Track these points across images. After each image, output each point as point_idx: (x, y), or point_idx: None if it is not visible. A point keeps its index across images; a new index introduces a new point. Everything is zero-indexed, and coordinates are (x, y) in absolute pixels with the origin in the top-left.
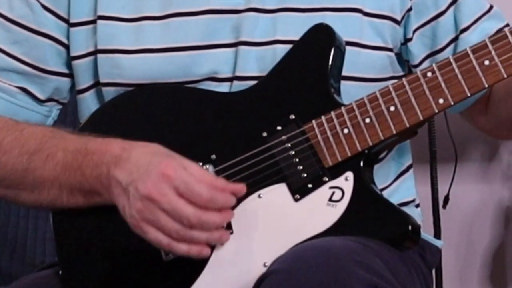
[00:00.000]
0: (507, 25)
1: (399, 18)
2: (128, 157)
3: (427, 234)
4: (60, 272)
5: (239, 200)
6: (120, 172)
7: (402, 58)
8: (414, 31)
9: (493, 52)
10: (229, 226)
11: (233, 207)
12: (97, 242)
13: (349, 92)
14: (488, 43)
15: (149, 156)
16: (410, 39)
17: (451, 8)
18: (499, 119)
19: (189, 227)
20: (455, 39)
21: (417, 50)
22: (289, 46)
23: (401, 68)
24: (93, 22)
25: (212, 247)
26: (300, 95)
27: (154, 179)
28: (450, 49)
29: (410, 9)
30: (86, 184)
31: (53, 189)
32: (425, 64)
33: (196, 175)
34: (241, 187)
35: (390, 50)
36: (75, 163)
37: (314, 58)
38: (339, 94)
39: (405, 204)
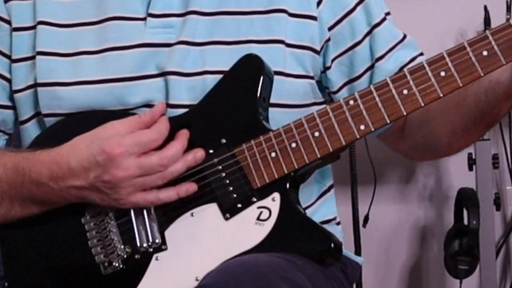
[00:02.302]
0: (421, 53)
1: (318, 48)
2: (68, 166)
3: (348, 251)
4: (6, 284)
5: (173, 218)
6: (73, 180)
7: (322, 85)
8: (333, 60)
9: (411, 82)
10: (163, 242)
11: (168, 225)
12: (41, 256)
13: (275, 118)
14: (407, 74)
15: (85, 152)
16: (329, 68)
17: (367, 39)
18: (415, 142)
19: (166, 168)
20: (371, 67)
21: (336, 77)
22: (218, 76)
23: (322, 94)
24: (32, 58)
25: (149, 261)
26: (231, 121)
27: (111, 164)
28: (366, 76)
29: (328, 40)
30: (38, 198)
31: (5, 204)
32: (344, 90)
33: (131, 128)
34: (162, 105)
35: (311, 78)
36: (18, 180)
37: (245, 86)
38: (267, 120)
39: (327, 222)
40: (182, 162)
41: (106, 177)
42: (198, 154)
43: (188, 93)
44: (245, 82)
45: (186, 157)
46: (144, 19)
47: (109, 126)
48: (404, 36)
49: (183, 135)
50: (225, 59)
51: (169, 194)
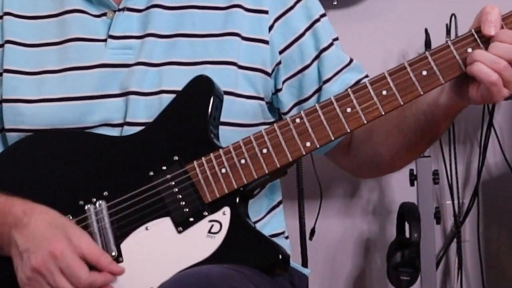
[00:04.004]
0: (366, 76)
1: (270, 71)
2: (27, 223)
3: (295, 263)
4: None
5: (129, 231)
6: (19, 236)
7: (273, 106)
8: (283, 82)
9: (354, 101)
10: (119, 255)
11: (124, 238)
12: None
13: (225, 136)
14: (350, 93)
15: (45, 228)
16: (280, 90)
17: (315, 62)
18: (360, 160)
19: None
20: (319, 89)
21: (286, 99)
22: (174, 95)
23: (272, 115)
24: (0, 74)
25: None
26: (183, 139)
27: (44, 255)
28: (314, 98)
29: (279, 63)
30: None
31: None
32: (293, 111)
33: (83, 253)
34: (121, 270)
35: (262, 99)
36: None
37: (196, 106)
38: (218, 138)
39: (276, 235)
40: None
41: (32, 258)
42: None
43: (146, 111)
44: (196, 102)
45: None
46: (104, 40)
47: (79, 233)
48: (351, 60)
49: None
50: (181, 79)
51: None
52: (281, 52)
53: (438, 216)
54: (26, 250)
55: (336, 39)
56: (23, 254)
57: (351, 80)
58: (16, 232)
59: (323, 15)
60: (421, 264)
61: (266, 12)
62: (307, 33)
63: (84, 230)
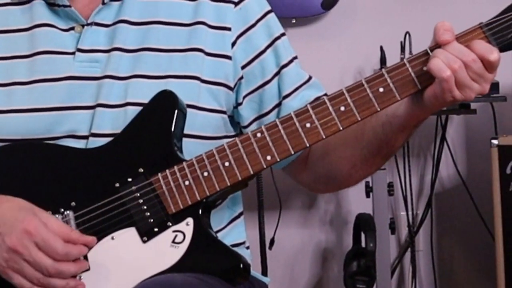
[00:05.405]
0: (326, 94)
1: (232, 85)
2: None
3: (255, 271)
4: None
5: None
6: None
7: (235, 120)
8: (244, 97)
9: (313, 116)
10: None
11: (90, 248)
12: None
13: (188, 148)
14: (309, 108)
15: (15, 212)
16: (241, 104)
17: (276, 78)
18: (317, 174)
19: (48, 276)
20: (278, 105)
21: (246, 113)
22: (139, 107)
23: (234, 129)
24: None
25: None
26: (148, 152)
27: (18, 234)
28: (274, 112)
29: (241, 78)
30: None
31: None
32: (253, 125)
33: (54, 231)
34: (92, 239)
35: (224, 112)
36: None
37: (160, 120)
38: (181, 151)
39: (237, 245)
40: (64, 282)
41: (7, 239)
42: (80, 286)
43: (111, 123)
44: (161, 116)
45: (70, 281)
46: (73, 53)
47: (46, 214)
48: (310, 78)
49: (83, 261)
50: (146, 92)
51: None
52: (243, 68)
53: (393, 227)
54: None
55: (295, 57)
56: None
57: (311, 96)
58: None
59: (283, 34)
60: (377, 272)
61: (229, 29)
62: (268, 50)
63: None
